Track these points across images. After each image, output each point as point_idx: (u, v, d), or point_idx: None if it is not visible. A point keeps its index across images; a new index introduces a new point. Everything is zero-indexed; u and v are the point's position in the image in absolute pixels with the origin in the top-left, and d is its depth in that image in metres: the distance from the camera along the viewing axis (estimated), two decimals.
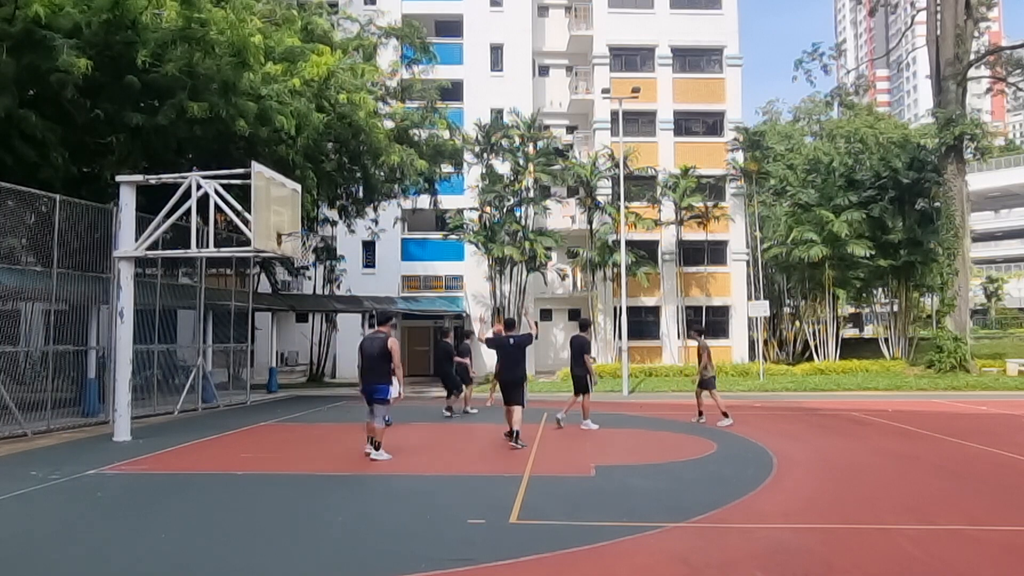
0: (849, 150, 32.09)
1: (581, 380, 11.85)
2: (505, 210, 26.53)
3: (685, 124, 29.70)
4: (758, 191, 29.33)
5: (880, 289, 29.70)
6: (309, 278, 28.42)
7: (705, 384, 12.71)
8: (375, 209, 23.69)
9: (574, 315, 30.64)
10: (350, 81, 16.23)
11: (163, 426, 12.79)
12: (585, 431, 11.64)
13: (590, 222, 27.55)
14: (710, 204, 27.92)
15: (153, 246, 11.10)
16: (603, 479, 7.82)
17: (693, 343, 26.95)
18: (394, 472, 8.31)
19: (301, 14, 17.05)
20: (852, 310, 37.90)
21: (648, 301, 28.29)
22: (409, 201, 26.00)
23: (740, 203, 29.33)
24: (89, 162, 14.25)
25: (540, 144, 27.17)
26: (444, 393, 14.37)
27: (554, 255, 27.71)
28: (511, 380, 10.19)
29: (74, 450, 10.10)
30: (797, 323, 31.57)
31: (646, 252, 27.08)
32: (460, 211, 27.48)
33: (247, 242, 10.38)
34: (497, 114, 27.81)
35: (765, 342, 29.28)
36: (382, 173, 19.93)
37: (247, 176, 10.30)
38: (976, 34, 27.47)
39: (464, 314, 27.74)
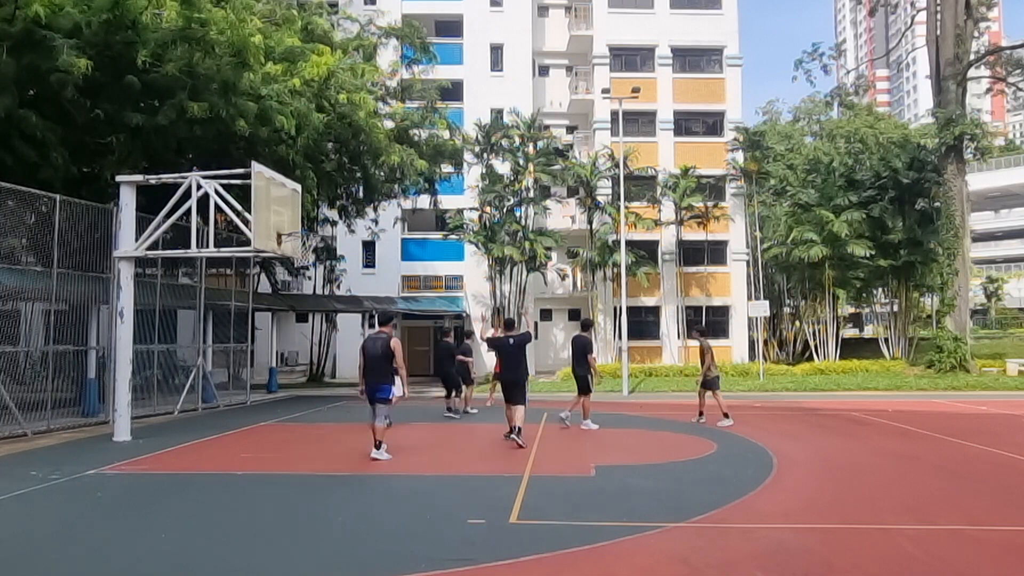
0: (849, 150, 32.11)
1: (583, 380, 11.85)
2: (505, 210, 26.53)
3: (685, 124, 29.70)
4: (758, 191, 29.34)
5: (880, 289, 29.70)
6: (309, 278, 28.43)
7: (709, 384, 12.70)
8: (375, 209, 23.69)
9: (574, 315, 30.66)
10: (350, 81, 16.23)
11: (163, 426, 12.79)
12: (585, 431, 11.64)
13: (590, 222, 27.55)
14: (710, 204, 27.92)
15: (153, 246, 11.10)
16: (603, 479, 7.81)
17: (693, 343, 27.02)
18: (394, 472, 8.31)
19: (301, 14, 17.05)
20: (852, 310, 37.90)
21: (648, 301, 28.29)
22: (409, 201, 26.00)
23: (740, 203, 29.34)
24: (89, 162, 14.25)
25: (540, 144, 27.17)
26: (444, 393, 14.33)
27: (554, 255, 27.72)
28: (512, 380, 10.29)
29: (74, 450, 10.10)
30: (797, 323, 31.58)
31: (646, 252, 27.08)
32: (460, 211, 27.48)
33: (247, 242, 10.38)
34: (497, 114, 27.81)
35: (765, 342, 29.28)
36: (382, 173, 19.93)
37: (247, 176, 10.30)
38: (976, 34, 27.47)
39: (464, 314, 27.75)
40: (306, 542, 5.42)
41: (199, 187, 10.51)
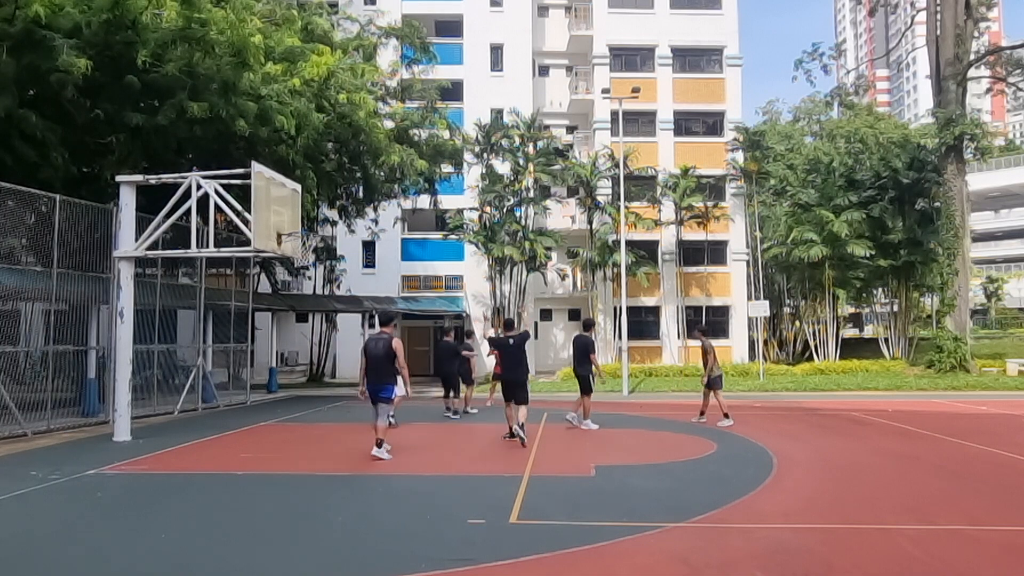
0: (849, 150, 32.10)
1: (584, 380, 11.86)
2: (505, 210, 26.52)
3: (685, 124, 29.70)
4: (758, 191, 29.34)
5: (880, 289, 29.70)
6: (309, 278, 28.43)
7: (711, 384, 12.70)
8: (375, 209, 23.69)
9: (574, 315, 30.66)
10: (350, 81, 16.23)
11: (163, 426, 12.79)
12: (585, 431, 11.64)
13: (590, 222, 27.55)
14: (710, 204, 27.92)
15: (153, 246, 11.11)
16: (603, 479, 7.81)
17: (694, 343, 27.02)
18: (394, 472, 8.31)
19: (301, 14, 17.04)
20: (852, 310, 37.89)
21: (648, 301, 28.29)
22: (409, 201, 26.00)
23: (740, 203, 29.33)
24: (89, 162, 14.26)
25: (540, 144, 27.17)
26: (443, 393, 14.27)
27: (554, 255, 27.71)
28: (514, 380, 10.41)
29: (74, 450, 10.10)
30: (797, 323, 31.58)
31: (646, 252, 27.07)
32: (460, 211, 27.47)
33: (247, 242, 10.38)
34: (497, 114, 27.81)
35: (765, 342, 29.28)
36: (382, 173, 19.93)
37: (247, 176, 10.31)
38: (976, 34, 27.47)
39: (464, 314, 27.74)
40: (306, 542, 5.42)
41: (199, 187, 10.51)
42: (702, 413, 12.85)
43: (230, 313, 16.83)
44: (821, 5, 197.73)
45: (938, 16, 26.23)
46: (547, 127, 29.76)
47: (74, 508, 6.71)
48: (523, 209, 26.82)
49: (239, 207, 10.46)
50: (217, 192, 10.50)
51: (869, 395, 19.13)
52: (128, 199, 10.94)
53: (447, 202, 27.00)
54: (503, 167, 26.55)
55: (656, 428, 12.43)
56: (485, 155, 26.47)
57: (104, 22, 11.41)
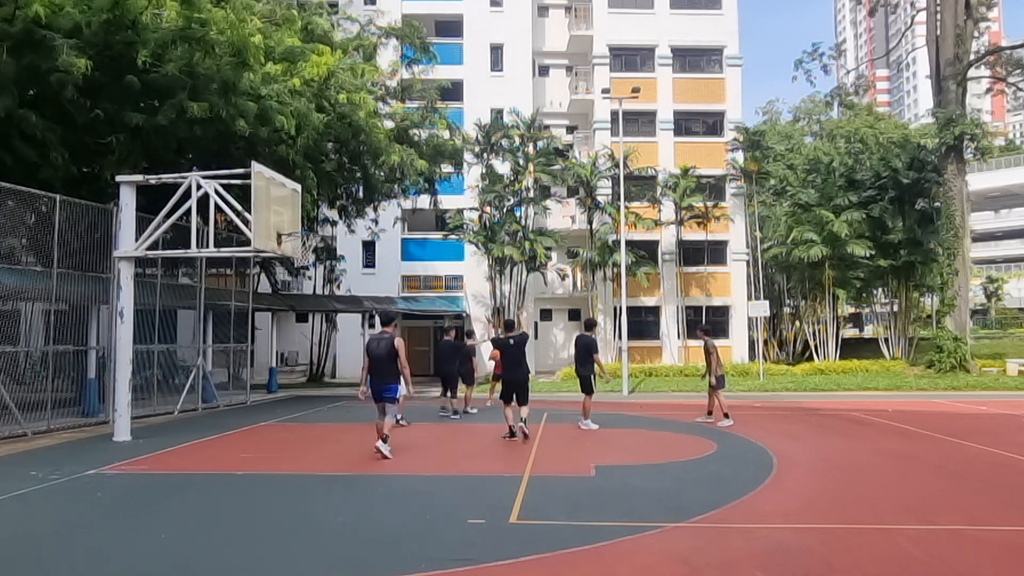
0: (849, 150, 32.08)
1: (586, 380, 11.88)
2: (505, 210, 26.52)
3: (685, 124, 29.69)
4: (758, 191, 29.33)
5: (880, 289, 29.70)
6: (309, 278, 28.43)
7: (710, 384, 12.68)
8: (375, 209, 23.69)
9: (574, 315, 30.66)
10: (350, 81, 16.23)
11: (163, 426, 12.79)
12: (585, 431, 11.64)
13: (590, 222, 27.55)
14: (710, 204, 27.91)
15: (153, 246, 11.11)
16: (603, 479, 7.82)
17: (694, 343, 27.04)
18: (394, 472, 8.31)
19: (301, 14, 17.04)
20: (852, 310, 37.89)
21: (648, 301, 28.29)
22: (409, 201, 25.99)
23: (740, 203, 29.33)
24: (89, 162, 14.26)
25: (540, 144, 27.16)
26: (440, 392, 14.22)
27: (554, 255, 27.71)
28: (515, 379, 10.63)
29: (74, 450, 10.10)
30: (797, 323, 31.57)
31: (646, 252, 27.07)
32: (460, 211, 27.47)
33: (247, 242, 10.38)
34: (497, 114, 27.80)
35: (765, 342, 29.27)
36: (382, 173, 19.93)
37: (247, 176, 10.31)
38: (976, 34, 27.47)
39: (464, 314, 27.75)
40: (306, 542, 5.42)
41: (199, 187, 10.51)
42: (709, 412, 12.80)
43: (230, 313, 16.84)
44: (821, 5, 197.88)
45: (938, 16, 26.23)
46: (547, 127, 29.75)
47: (74, 508, 6.71)
48: (523, 209, 26.81)
49: (239, 207, 10.47)
50: (217, 192, 10.50)
51: (869, 395, 19.13)
52: (128, 199, 10.94)
53: (447, 202, 27.00)
54: (503, 167, 26.55)
55: (656, 428, 12.43)
56: (485, 155, 26.47)
57: (104, 22, 11.41)
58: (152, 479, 8.05)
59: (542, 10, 31.95)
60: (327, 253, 26.50)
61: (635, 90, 22.06)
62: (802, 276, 28.90)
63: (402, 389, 9.18)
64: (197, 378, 15.27)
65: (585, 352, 11.87)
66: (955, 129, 24.22)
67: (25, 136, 11.85)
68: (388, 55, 23.91)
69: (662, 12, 29.61)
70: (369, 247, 28.32)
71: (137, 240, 10.90)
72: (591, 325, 12.76)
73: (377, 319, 11.08)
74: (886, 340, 28.31)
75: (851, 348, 29.41)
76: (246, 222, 10.30)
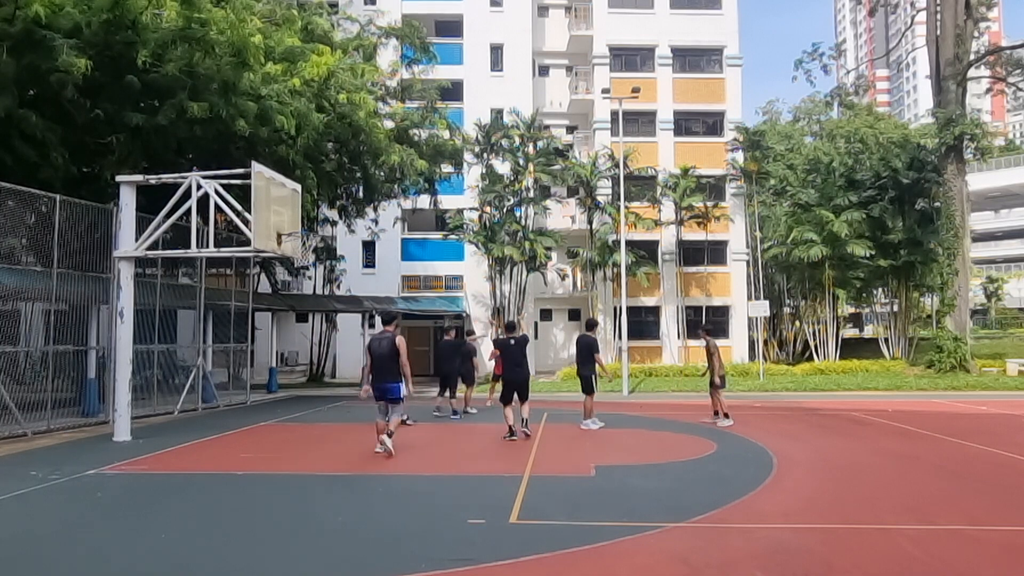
0: (849, 150, 32.08)
1: (587, 380, 11.89)
2: (505, 210, 26.52)
3: (685, 124, 29.70)
4: (758, 191, 29.33)
5: (880, 289, 29.70)
6: (309, 278, 28.43)
7: (712, 384, 12.64)
8: (375, 209, 23.69)
9: (574, 315, 30.66)
10: (350, 81, 16.23)
11: (163, 426, 12.79)
12: (585, 431, 11.64)
13: (590, 222, 27.55)
14: (710, 204, 27.91)
15: (153, 246, 11.10)
16: (603, 479, 7.82)
17: (694, 343, 27.05)
18: (394, 472, 8.31)
19: (301, 14, 17.05)
20: (852, 310, 37.88)
21: (648, 301, 28.29)
22: (409, 201, 25.99)
23: (740, 203, 29.33)
24: (89, 162, 14.25)
25: (540, 144, 27.15)
26: (438, 391, 14.15)
27: (554, 255, 27.70)
28: (516, 379, 10.83)
29: (74, 450, 10.10)
30: (797, 323, 31.57)
31: (646, 252, 27.07)
32: (460, 211, 27.47)
33: (247, 242, 10.38)
34: (497, 114, 27.80)
35: (765, 342, 29.27)
36: (382, 173, 19.93)
37: (247, 176, 10.31)
38: (976, 34, 27.47)
39: (464, 314, 27.75)
40: (306, 542, 5.42)
41: (199, 187, 10.51)
42: (716, 413, 12.69)
43: (230, 313, 16.83)
44: (821, 5, 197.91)
45: (938, 16, 26.23)
46: (547, 127, 29.75)
47: (74, 508, 6.71)
48: (523, 209, 26.81)
49: (239, 207, 10.47)
50: (217, 192, 10.50)
51: (869, 395, 19.13)
52: (128, 199, 10.94)
53: (447, 202, 27.00)
54: (503, 167, 26.54)
55: (656, 428, 12.42)
56: (485, 155, 26.46)
57: (104, 22, 11.42)
58: (152, 479, 8.05)
59: (542, 10, 31.95)
60: (327, 253, 26.50)
61: (635, 90, 22.06)
62: (802, 276, 28.90)
63: (403, 388, 9.20)
64: (197, 378, 15.27)
65: (586, 352, 11.88)
66: (955, 129, 24.22)
67: (25, 136, 11.85)
68: (388, 55, 23.91)
69: (662, 12, 29.61)
70: (369, 247, 28.32)
71: (137, 240, 10.90)
72: (592, 325, 12.76)
73: (378, 319, 11.13)
74: (886, 340, 28.31)
75: (851, 348, 29.42)
76: (246, 222, 10.30)
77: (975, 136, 25.22)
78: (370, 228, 25.07)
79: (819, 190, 27.37)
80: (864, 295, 30.36)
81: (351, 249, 27.49)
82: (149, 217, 11.07)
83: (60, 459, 9.16)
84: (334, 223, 24.71)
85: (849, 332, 38.54)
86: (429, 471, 8.49)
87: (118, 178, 11.18)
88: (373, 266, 28.71)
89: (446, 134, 23.36)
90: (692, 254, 28.95)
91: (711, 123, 29.88)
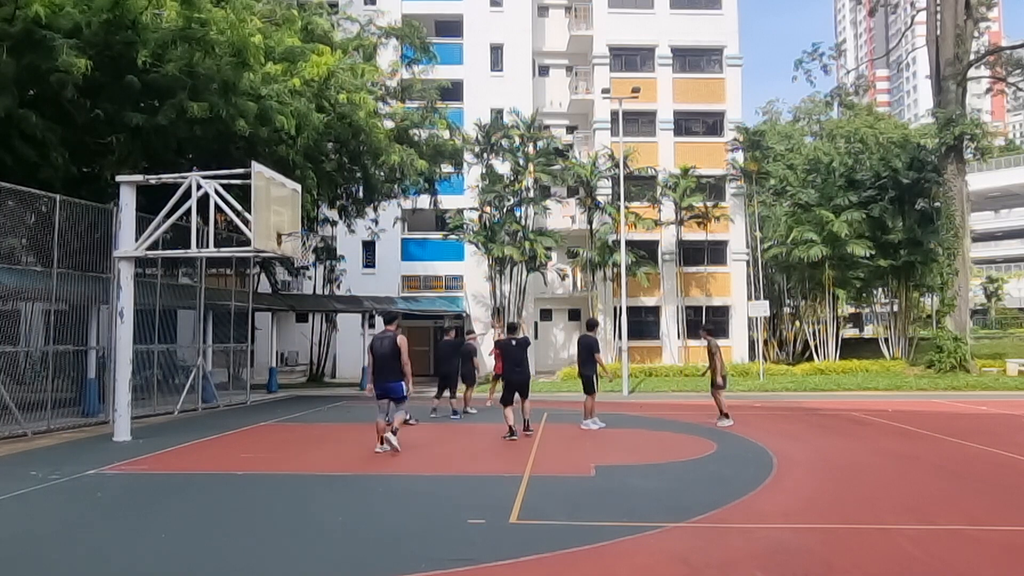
0: (849, 150, 32.07)
1: (588, 380, 11.89)
2: (505, 210, 26.52)
3: (685, 124, 29.70)
4: (758, 191, 29.32)
5: (880, 289, 29.70)
6: (309, 278, 28.43)
7: (714, 384, 12.62)
8: (375, 209, 23.69)
9: (574, 315, 30.66)
10: (350, 81, 16.23)
11: (163, 426, 12.79)
12: (585, 431, 11.64)
13: (590, 222, 27.55)
14: (710, 204, 27.91)
15: (153, 246, 11.11)
16: (603, 479, 7.82)
17: (694, 343, 27.05)
18: (394, 472, 8.31)
19: (301, 14, 17.05)
20: (852, 310, 37.88)
21: (648, 301, 28.29)
22: (409, 201, 26.00)
23: (740, 203, 29.33)
24: (89, 162, 14.26)
25: (540, 144, 27.16)
26: (448, 393, 14.08)
27: (554, 255, 27.71)
28: (516, 380, 10.93)
29: (74, 450, 10.10)
30: (797, 323, 31.57)
31: (646, 252, 27.06)
32: (460, 211, 27.48)
33: (247, 242, 10.38)
34: (497, 114, 27.80)
35: (765, 342, 29.27)
36: (382, 173, 19.93)
37: (247, 176, 10.31)
38: (976, 34, 27.47)
39: (464, 314, 27.75)
40: (306, 542, 5.42)
41: (199, 187, 10.51)
42: (726, 415, 12.58)
43: (230, 313, 16.83)
44: (821, 5, 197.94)
45: (938, 16, 26.23)
46: (547, 127, 29.75)
47: (74, 508, 6.71)
48: (523, 209, 26.82)
49: (239, 207, 10.47)
50: (217, 192, 10.50)
51: (869, 395, 19.13)
52: (128, 199, 10.94)
53: (447, 202, 27.00)
54: (503, 167, 26.55)
55: (656, 428, 12.42)
56: (485, 155, 26.47)
57: (104, 22, 11.42)
58: (152, 479, 8.05)
59: (542, 10, 31.95)
60: (327, 253, 26.50)
61: (635, 90, 22.06)
62: (802, 276, 28.90)
63: (406, 387, 9.28)
64: (197, 378, 15.27)
65: (587, 352, 11.89)
66: (955, 129, 24.22)
67: (25, 136, 11.85)
68: (388, 55, 23.91)
69: (662, 12, 29.61)
70: (369, 247, 28.32)
71: (137, 240, 10.90)
72: (593, 325, 12.76)
73: (378, 319, 11.19)
74: (886, 340, 28.31)
75: (851, 348, 29.41)
76: (246, 222, 10.30)
77: (975, 136, 25.22)
78: (370, 228, 25.08)
79: (819, 190, 27.37)
80: (864, 295, 30.36)
81: (351, 249, 27.49)
82: (149, 217, 11.07)
83: (60, 459, 9.16)
84: (334, 223, 24.71)
85: (849, 332, 38.54)
86: (429, 471, 8.49)
87: (118, 178, 11.18)
88: (373, 266, 28.72)
89: (446, 134, 23.36)
90: (692, 254, 28.95)
91: (711, 123, 29.88)
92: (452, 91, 26.66)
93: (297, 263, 24.99)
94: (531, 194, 26.79)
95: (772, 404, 16.67)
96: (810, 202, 27.02)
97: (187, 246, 10.99)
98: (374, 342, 9.28)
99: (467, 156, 25.75)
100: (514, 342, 11.14)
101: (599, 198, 27.34)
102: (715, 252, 29.05)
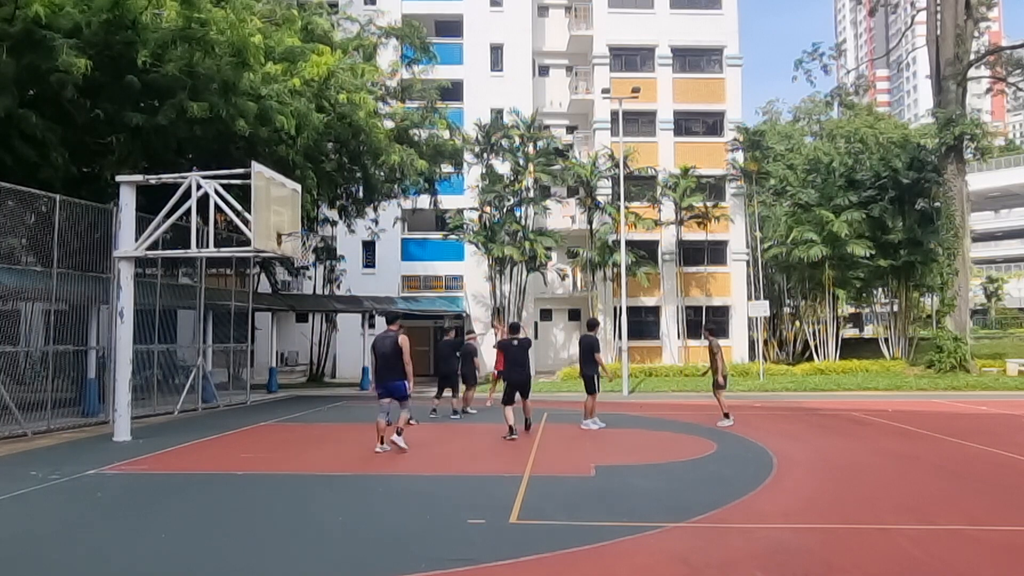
0: (849, 150, 32.08)
1: (589, 380, 11.90)
2: (505, 210, 26.52)
3: (685, 124, 29.69)
4: (758, 191, 29.32)
5: (880, 289, 29.69)
6: (309, 278, 28.43)
7: (716, 383, 12.62)
8: (375, 209, 23.69)
9: (574, 315, 30.67)
10: (350, 81, 16.23)
11: (163, 426, 12.79)
12: (585, 431, 11.64)
13: (590, 222, 27.55)
14: (710, 204, 27.91)
15: (153, 246, 11.11)
16: (603, 479, 7.81)
17: (694, 343, 27.05)
18: (394, 472, 8.31)
19: (301, 14, 17.05)
20: (852, 310, 37.87)
21: (648, 301, 28.29)
22: (409, 201, 26.00)
23: (740, 203, 29.33)
24: (89, 162, 14.26)
25: (540, 144, 27.16)
26: (448, 393, 14.07)
27: (554, 255, 27.70)
28: (517, 380, 11.00)
29: (74, 450, 10.10)
30: (797, 323, 31.57)
31: (646, 252, 27.06)
32: (460, 211, 27.48)
33: (247, 242, 10.38)
34: (497, 114, 27.80)
35: (765, 342, 29.27)
36: (382, 173, 19.93)
37: (247, 176, 10.31)
38: (976, 34, 27.47)
39: (464, 314, 27.75)
40: (306, 542, 5.42)
41: (199, 187, 10.51)
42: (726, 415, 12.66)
43: (230, 313, 16.83)
44: (821, 5, 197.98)
45: (938, 16, 26.23)
46: (547, 127, 29.74)
47: (74, 508, 6.71)
48: (523, 209, 26.82)
49: (239, 207, 10.47)
50: (217, 192, 10.50)
51: (869, 395, 19.13)
52: (128, 199, 10.94)
53: (447, 202, 27.00)
54: (503, 167, 26.55)
55: (656, 428, 12.42)
56: (485, 155, 26.47)
57: (104, 22, 11.42)
58: (152, 479, 8.04)
59: (542, 10, 31.95)
60: (327, 253, 26.50)
61: (635, 90, 22.06)
62: (802, 276, 28.90)
63: (408, 386, 9.41)
64: (197, 378, 15.27)
65: (588, 352, 11.90)
66: (955, 129, 24.22)
67: (25, 136, 11.85)
68: (388, 55, 23.91)
69: (662, 12, 29.61)
70: (369, 247, 28.32)
71: (137, 240, 10.90)
72: (593, 325, 12.77)
73: (379, 318, 11.23)
74: (886, 340, 28.31)
75: (851, 348, 29.41)
76: (246, 222, 10.30)
77: (975, 136, 25.22)
78: (370, 228, 25.08)
79: (819, 190, 27.37)
80: (864, 295, 30.35)
81: (351, 249, 27.49)
82: (149, 217, 11.07)
83: (60, 459, 9.16)
84: (334, 223, 24.71)
85: (849, 332, 38.54)
86: (429, 471, 8.49)
87: (118, 178, 11.18)
88: (373, 266, 28.72)
89: (446, 134, 23.36)
90: (692, 254, 28.95)
91: (711, 123, 29.87)
92: (452, 91, 26.66)
93: (297, 263, 24.99)
94: (531, 194, 26.79)
95: (772, 404, 16.67)
96: (810, 202, 27.01)
97: (187, 246, 10.99)
98: (376, 342, 9.41)
99: (467, 156, 25.76)
100: (516, 342, 11.19)
101: (599, 198, 27.34)
102: (715, 252, 29.05)
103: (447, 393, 14.03)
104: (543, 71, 32.11)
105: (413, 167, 19.06)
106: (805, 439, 10.91)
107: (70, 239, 11.98)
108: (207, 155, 14.20)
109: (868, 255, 25.38)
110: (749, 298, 28.08)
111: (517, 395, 11.00)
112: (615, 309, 26.23)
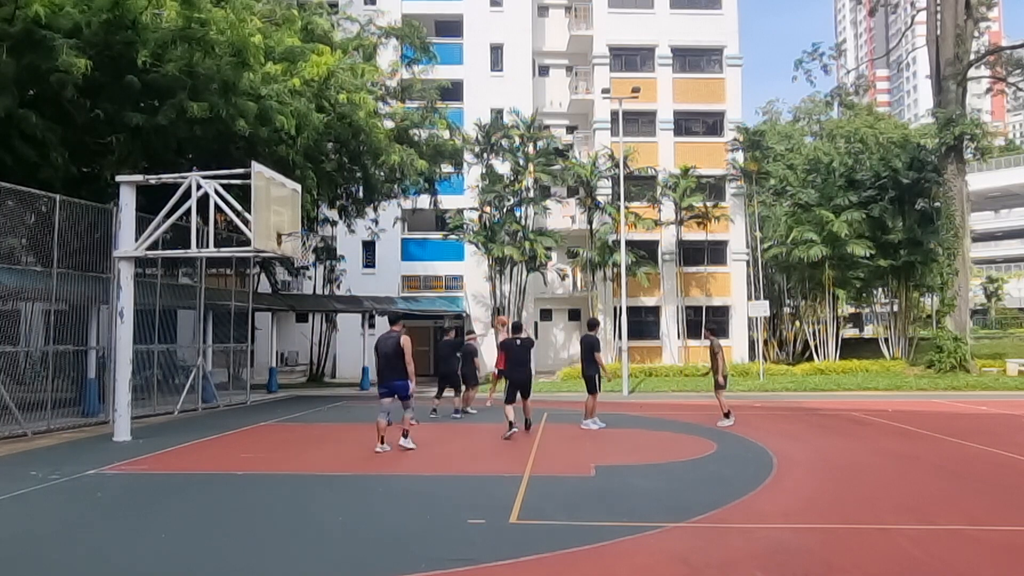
0: (849, 150, 32.05)
1: (590, 380, 11.91)
2: (505, 210, 26.52)
3: (685, 124, 29.69)
4: (758, 191, 29.32)
5: (880, 289, 29.69)
6: (309, 278, 28.43)
7: (716, 383, 12.61)
8: (375, 209, 23.69)
9: (574, 315, 30.66)
10: (350, 81, 16.23)
11: (163, 426, 12.79)
12: (585, 431, 11.64)
13: (590, 222, 27.55)
14: (710, 204, 27.90)
15: (153, 246, 11.11)
16: (603, 479, 7.82)
17: (694, 343, 27.06)
18: (394, 472, 8.31)
19: (301, 14, 17.05)
20: (852, 310, 37.87)
21: (648, 301, 28.29)
22: (409, 201, 26.00)
23: (740, 203, 29.32)
24: (89, 162, 14.26)
25: (540, 144, 27.16)
26: (450, 393, 14.05)
27: (554, 255, 27.70)
28: (519, 379, 11.09)
29: (74, 450, 10.10)
30: (797, 323, 31.57)
31: (646, 252, 27.06)
32: (460, 211, 27.48)
33: (247, 242, 10.38)
34: (497, 114, 27.79)
35: (765, 342, 29.27)
36: (382, 173, 19.93)
37: (247, 176, 10.31)
38: (976, 34, 27.47)
39: (464, 314, 27.75)
40: (306, 542, 5.42)
41: (199, 187, 10.51)
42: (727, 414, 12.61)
43: (230, 313, 16.83)
44: (821, 5, 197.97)
45: (938, 16, 26.23)
46: (547, 127, 29.73)
47: (74, 508, 6.71)
48: (523, 209, 26.81)
49: (239, 207, 10.47)
50: (217, 192, 10.50)
51: (869, 395, 19.13)
52: (128, 199, 10.95)
53: (447, 202, 27.00)
54: (503, 167, 26.55)
55: (656, 428, 12.42)
56: (485, 155, 26.47)
57: (104, 22, 11.42)
58: (152, 479, 8.05)
59: (542, 10, 31.95)
60: (327, 253, 26.50)
61: (635, 90, 22.05)
62: (802, 276, 28.90)
63: (411, 385, 9.47)
64: (197, 378, 15.27)
65: (588, 352, 11.91)
66: (955, 129, 24.22)
67: (25, 136, 11.85)
68: (388, 55, 23.91)
69: (662, 12, 29.60)
70: (369, 247, 28.32)
71: (137, 240, 10.90)
72: (593, 325, 12.79)
73: (379, 318, 11.25)
74: (886, 340, 28.31)
75: (851, 348, 29.41)
76: (246, 222, 10.30)
77: (975, 136, 25.21)
78: (370, 228, 25.07)
79: (819, 190, 27.36)
80: (864, 295, 30.35)
81: (351, 249, 27.49)
82: (149, 217, 11.07)
83: (60, 459, 9.16)
84: (334, 223, 24.71)
85: (849, 332, 38.53)
86: (429, 471, 8.49)
87: (118, 178, 11.18)
88: (373, 266, 28.72)
89: (446, 134, 23.36)
90: (692, 254, 28.95)
91: (711, 123, 29.87)
92: (452, 91, 26.66)
93: (297, 263, 24.99)
94: (531, 194, 26.79)
95: (772, 404, 16.66)
96: (810, 202, 27.01)
97: (187, 246, 10.99)
98: (379, 342, 9.52)
99: (467, 156, 25.76)
100: (518, 342, 11.27)
101: (599, 198, 27.33)
102: (715, 252, 29.04)
103: (448, 393, 14.03)
104: (543, 71, 32.11)
105: (413, 167, 19.06)
106: (805, 439, 10.91)
107: (70, 239, 11.98)
108: (207, 155, 14.20)
109: (868, 255, 25.38)
110: (749, 298, 28.08)
111: (518, 394, 11.02)
112: (615, 309, 26.23)
